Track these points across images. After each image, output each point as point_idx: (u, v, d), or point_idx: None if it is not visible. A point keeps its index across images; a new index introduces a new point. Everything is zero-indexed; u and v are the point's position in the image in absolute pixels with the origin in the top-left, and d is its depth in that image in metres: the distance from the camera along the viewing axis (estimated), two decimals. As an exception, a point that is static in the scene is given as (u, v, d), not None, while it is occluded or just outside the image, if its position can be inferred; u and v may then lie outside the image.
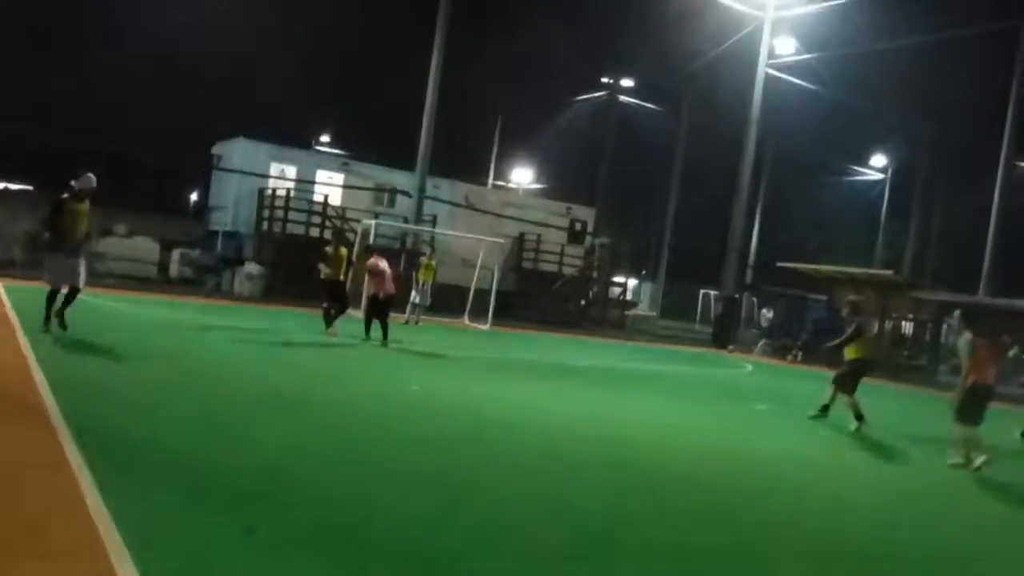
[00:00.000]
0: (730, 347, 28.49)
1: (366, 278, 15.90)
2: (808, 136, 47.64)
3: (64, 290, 11.05)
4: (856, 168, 53.15)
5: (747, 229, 41.41)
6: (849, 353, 11.87)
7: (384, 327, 15.06)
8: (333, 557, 4.41)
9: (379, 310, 15.28)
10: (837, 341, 12.10)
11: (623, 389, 13.97)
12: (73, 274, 10.94)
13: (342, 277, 16.00)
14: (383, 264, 15.51)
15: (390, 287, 15.34)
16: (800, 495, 7.48)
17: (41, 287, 16.78)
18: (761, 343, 29.00)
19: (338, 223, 26.01)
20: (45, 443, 5.74)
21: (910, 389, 21.36)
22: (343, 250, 16.20)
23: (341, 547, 4.58)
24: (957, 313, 9.38)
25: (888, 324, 28.08)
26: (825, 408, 11.97)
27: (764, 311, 34.06)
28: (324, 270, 15.89)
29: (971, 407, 9.25)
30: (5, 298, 15.42)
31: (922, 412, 16.55)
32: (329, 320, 15.68)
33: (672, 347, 27.76)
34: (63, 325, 10.97)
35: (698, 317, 45.23)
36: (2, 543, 4.01)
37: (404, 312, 21.37)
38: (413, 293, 21.79)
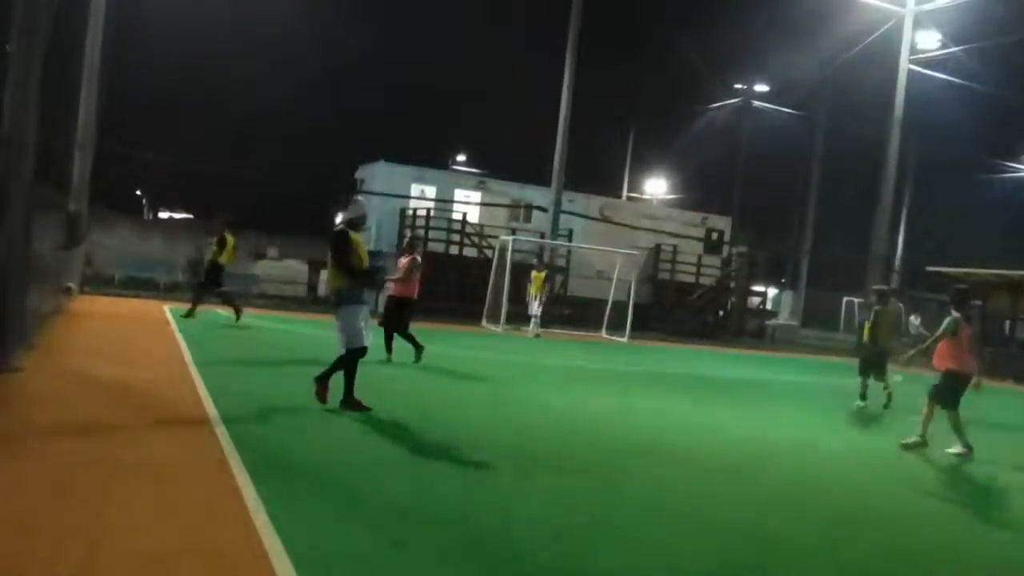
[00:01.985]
0: (877, 356, 27.49)
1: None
2: (957, 132, 45.45)
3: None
4: (1011, 165, 50.35)
5: (892, 232, 39.86)
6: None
7: (409, 336, 13.65)
8: (476, 572, 4.62)
9: (398, 317, 13.80)
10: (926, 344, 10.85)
11: (762, 402, 13.88)
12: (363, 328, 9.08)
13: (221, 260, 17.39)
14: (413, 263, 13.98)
15: (410, 290, 13.98)
16: (962, 515, 7.32)
17: (206, 310, 17.95)
18: (911, 351, 27.84)
19: (475, 239, 26.86)
20: (210, 448, 6.32)
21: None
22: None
23: (484, 562, 4.76)
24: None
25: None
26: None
27: (912, 318, 32.61)
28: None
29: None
30: (172, 320, 16.61)
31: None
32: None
33: (814, 357, 27.08)
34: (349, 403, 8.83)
35: (841, 325, 43.77)
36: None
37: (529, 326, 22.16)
38: (532, 306, 22.32)
